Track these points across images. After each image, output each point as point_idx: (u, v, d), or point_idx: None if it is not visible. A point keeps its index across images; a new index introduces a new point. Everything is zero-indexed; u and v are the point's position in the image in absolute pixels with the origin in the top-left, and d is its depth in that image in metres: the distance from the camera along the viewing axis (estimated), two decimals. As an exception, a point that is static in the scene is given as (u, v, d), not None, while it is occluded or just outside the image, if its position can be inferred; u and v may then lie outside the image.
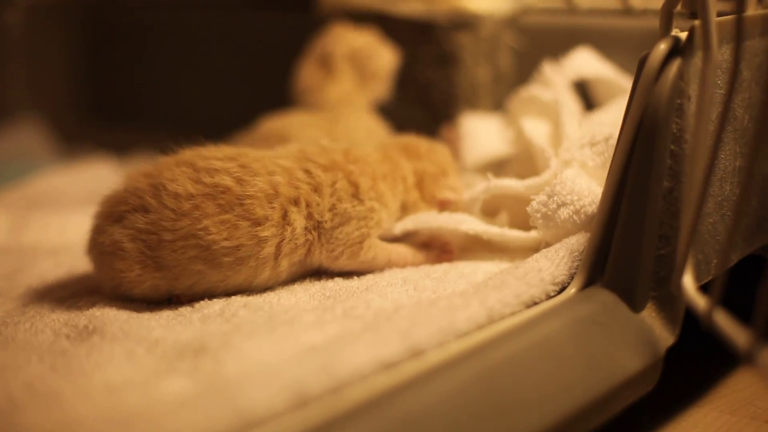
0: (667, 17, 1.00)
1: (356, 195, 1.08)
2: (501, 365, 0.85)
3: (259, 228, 1.03)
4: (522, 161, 1.29)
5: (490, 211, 1.19)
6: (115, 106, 2.14)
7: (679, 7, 1.01)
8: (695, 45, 0.98)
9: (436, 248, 1.14)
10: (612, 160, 0.99)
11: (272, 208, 1.03)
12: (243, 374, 0.81)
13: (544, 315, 0.93)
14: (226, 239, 1.02)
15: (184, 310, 1.02)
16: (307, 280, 1.09)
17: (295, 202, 1.05)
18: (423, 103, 1.49)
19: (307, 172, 1.07)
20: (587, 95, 1.37)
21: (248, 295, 1.05)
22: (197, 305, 1.03)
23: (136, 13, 2.06)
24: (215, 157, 1.05)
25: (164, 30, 2.02)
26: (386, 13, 1.50)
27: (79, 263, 1.20)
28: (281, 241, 1.04)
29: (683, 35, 0.99)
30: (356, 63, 1.50)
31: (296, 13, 1.75)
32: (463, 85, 1.45)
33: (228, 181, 1.03)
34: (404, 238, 1.14)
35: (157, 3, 2.02)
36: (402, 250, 1.12)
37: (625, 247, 0.99)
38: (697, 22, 0.98)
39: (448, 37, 1.44)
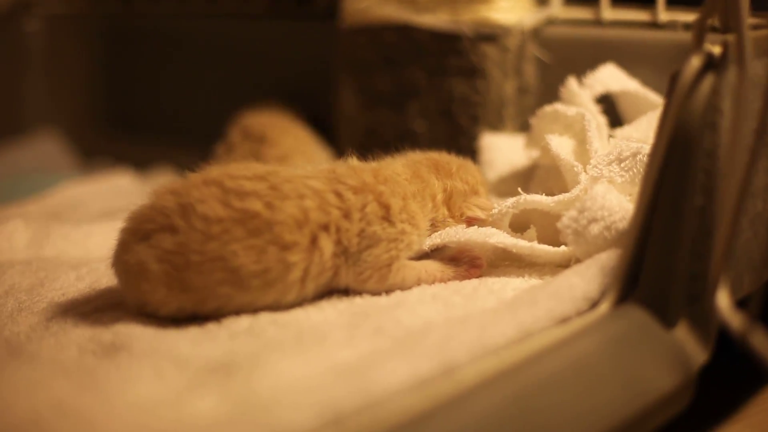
0: (699, 31, 0.99)
1: (387, 217, 1.07)
2: (536, 385, 0.85)
3: (287, 253, 1.01)
4: (547, 178, 1.28)
5: (518, 226, 1.18)
6: (135, 118, 2.13)
7: (712, 21, 1.00)
8: (729, 60, 0.97)
9: (465, 263, 1.13)
10: (644, 176, 0.98)
11: (302, 233, 1.02)
12: (275, 393, 0.81)
13: (577, 333, 0.93)
14: (254, 263, 1.00)
15: (212, 327, 1.00)
16: (335, 296, 1.08)
17: (325, 227, 1.04)
18: (447, 116, 1.48)
19: (338, 194, 1.06)
20: (613, 110, 1.36)
21: (276, 311, 1.04)
22: (224, 322, 1.01)
23: (156, 24, 2.05)
24: (245, 177, 1.04)
25: (185, 41, 2.01)
26: (410, 23, 1.49)
27: (102, 277, 1.19)
28: (309, 266, 1.03)
29: (716, 49, 0.97)
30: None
31: (320, 23, 1.74)
32: (488, 97, 1.44)
33: (258, 205, 1.01)
34: (432, 253, 1.13)
35: (177, 13, 2.01)
36: (430, 267, 1.11)
37: (657, 263, 0.98)
38: (730, 37, 0.97)
39: (474, 48, 1.43)
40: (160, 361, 0.90)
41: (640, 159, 1.12)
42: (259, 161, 1.31)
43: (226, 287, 1.01)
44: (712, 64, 0.98)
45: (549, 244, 1.14)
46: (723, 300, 0.93)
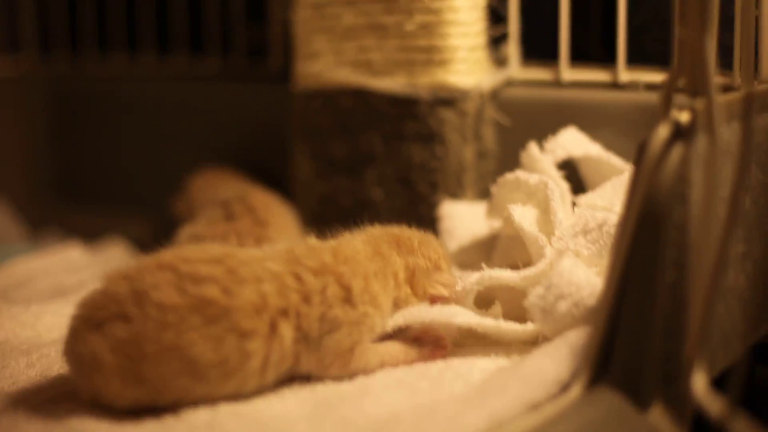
0: (666, 98, 0.97)
1: (348, 299, 1.03)
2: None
3: (246, 341, 0.98)
4: (511, 247, 1.26)
5: (483, 301, 1.15)
6: (84, 186, 2.07)
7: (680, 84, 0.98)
8: (698, 127, 0.94)
9: (429, 343, 1.09)
10: (613, 253, 0.95)
11: (261, 320, 0.98)
12: None
13: (549, 422, 0.89)
14: (212, 352, 0.96)
15: (170, 420, 0.96)
16: (297, 382, 1.04)
17: (285, 312, 1.00)
18: (405, 183, 1.45)
19: (297, 277, 1.02)
20: (575, 175, 1.34)
21: (236, 401, 0.99)
22: (183, 414, 0.97)
23: (105, 86, 2.01)
24: (200, 260, 1.00)
25: (135, 104, 1.97)
26: (366, 88, 1.46)
27: (54, 364, 1.14)
28: (269, 353, 0.99)
29: (684, 116, 0.95)
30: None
31: (274, 85, 1.71)
32: (448, 163, 1.41)
33: (214, 291, 0.98)
34: (395, 333, 1.09)
35: (127, 75, 1.98)
36: (394, 350, 1.07)
37: (629, 343, 0.95)
38: (699, 102, 0.94)
39: (432, 112, 1.41)
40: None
41: (606, 231, 1.10)
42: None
43: (184, 378, 0.97)
44: (680, 133, 0.95)
45: (515, 319, 1.12)
46: (699, 383, 0.90)
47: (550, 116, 1.40)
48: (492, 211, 1.30)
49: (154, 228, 1.87)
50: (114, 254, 1.79)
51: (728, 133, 0.99)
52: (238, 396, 1.00)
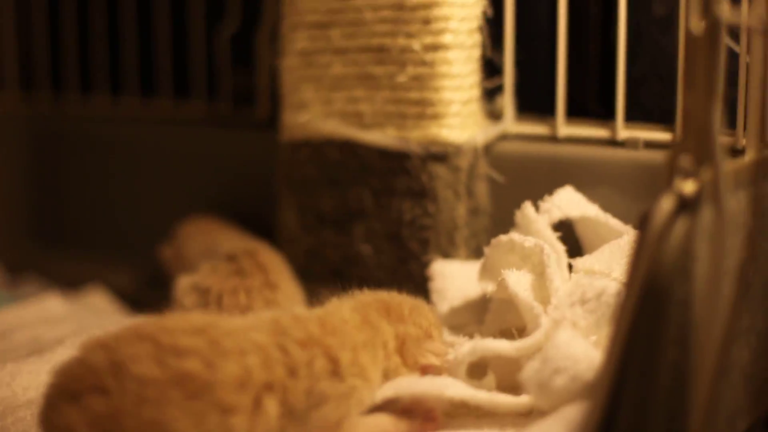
0: (670, 170, 0.93)
1: (336, 372, 1.00)
2: None
3: (229, 416, 0.94)
4: (504, 311, 1.23)
5: (476, 370, 1.12)
6: (64, 231, 2.03)
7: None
8: (704, 198, 0.91)
9: (420, 416, 1.06)
10: (613, 328, 0.91)
11: (245, 394, 0.95)
12: None
13: None
14: (194, 428, 0.93)
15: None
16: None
17: (270, 387, 0.96)
18: (395, 240, 1.42)
19: (283, 349, 0.99)
20: (571, 235, 1.32)
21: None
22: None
23: (87, 127, 1.97)
24: (182, 331, 0.96)
25: (118, 145, 1.93)
26: (355, 140, 1.43)
27: (30, 429, 1.12)
28: (253, 429, 0.95)
29: (689, 187, 0.91)
30: None
31: (261, 132, 1.68)
32: (439, 220, 1.39)
33: (196, 365, 0.94)
34: (384, 404, 1.06)
35: (110, 116, 1.95)
36: (383, 423, 1.04)
37: (629, 423, 0.91)
38: (704, 173, 0.91)
39: (424, 167, 1.38)
40: None
41: (604, 301, 1.07)
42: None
43: None
44: (685, 205, 0.91)
45: (509, 388, 1.09)
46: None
47: (545, 172, 1.38)
48: (485, 273, 1.27)
49: (138, 276, 1.85)
50: (95, 303, 1.77)
51: (734, 203, 0.96)
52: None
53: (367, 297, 1.13)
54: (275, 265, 1.44)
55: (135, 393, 0.93)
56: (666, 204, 0.90)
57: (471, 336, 1.25)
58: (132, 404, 0.93)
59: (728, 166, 0.95)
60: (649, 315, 0.90)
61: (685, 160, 0.93)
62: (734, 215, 0.95)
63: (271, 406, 0.96)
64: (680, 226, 0.90)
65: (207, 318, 1.01)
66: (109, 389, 0.93)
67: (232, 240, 1.55)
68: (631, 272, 0.91)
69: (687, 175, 0.92)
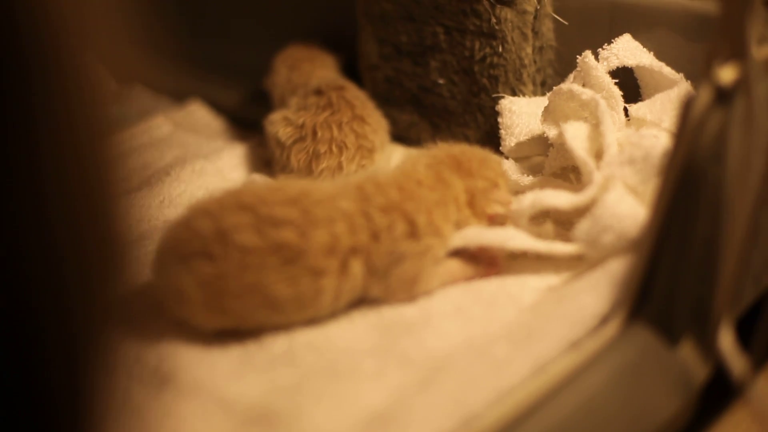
0: (709, 63, 1.02)
1: (413, 233, 1.12)
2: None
3: (319, 278, 1.07)
4: (564, 152, 1.32)
5: (536, 218, 1.24)
6: (168, 43, 2.06)
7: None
8: (739, 89, 1.00)
9: (484, 261, 1.19)
10: (655, 203, 1.02)
11: (334, 258, 1.08)
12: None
13: (587, 364, 0.99)
14: (289, 289, 1.06)
15: (252, 347, 1.08)
16: (365, 306, 1.15)
17: (355, 251, 1.09)
18: (468, 74, 1.50)
19: (367, 216, 1.10)
20: (630, 80, 1.39)
21: (311, 326, 1.11)
22: (264, 341, 1.09)
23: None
24: (277, 203, 1.09)
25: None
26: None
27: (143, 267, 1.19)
28: (340, 287, 1.09)
29: (726, 76, 1.00)
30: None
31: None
32: (509, 59, 1.45)
33: (291, 235, 1.06)
34: (454, 252, 1.19)
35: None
36: (452, 268, 1.17)
37: (664, 283, 1.03)
38: (738, 67, 0.99)
39: (493, 11, 1.44)
40: (207, 402, 0.98)
41: (651, 162, 1.16)
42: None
43: (264, 310, 1.07)
44: (722, 95, 1.00)
45: (565, 231, 1.22)
46: (726, 341, 0.99)
47: (606, 17, 1.43)
48: (548, 117, 1.35)
49: (241, 92, 1.91)
50: (198, 120, 1.85)
51: (764, 89, 1.04)
52: (313, 321, 1.11)
53: (440, 152, 1.23)
54: (362, 100, 1.52)
55: (238, 260, 1.06)
56: (704, 95, 1.00)
57: (534, 169, 1.37)
58: (235, 269, 1.06)
59: (760, 53, 1.03)
60: (685, 195, 1.01)
61: (724, 50, 1.02)
62: (763, 101, 1.04)
63: (356, 267, 1.10)
64: (717, 115, 1.00)
65: (300, 187, 1.12)
66: (215, 255, 1.07)
67: (322, 71, 1.64)
68: (671, 156, 1.01)
69: (725, 62, 1.01)
